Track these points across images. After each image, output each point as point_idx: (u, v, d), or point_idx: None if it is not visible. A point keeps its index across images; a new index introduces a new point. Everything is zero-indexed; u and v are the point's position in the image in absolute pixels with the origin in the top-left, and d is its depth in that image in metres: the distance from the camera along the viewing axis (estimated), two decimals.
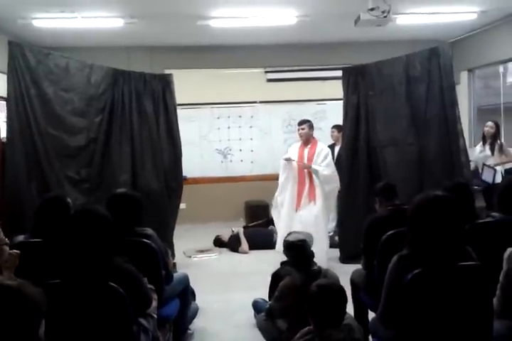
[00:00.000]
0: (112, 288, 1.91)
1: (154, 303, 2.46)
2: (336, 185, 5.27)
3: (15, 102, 4.62)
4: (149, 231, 2.88)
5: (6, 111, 4.69)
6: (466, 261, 2.08)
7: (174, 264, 4.45)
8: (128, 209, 2.79)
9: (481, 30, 6.71)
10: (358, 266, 3.41)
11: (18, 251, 2.43)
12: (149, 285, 2.53)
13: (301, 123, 5.32)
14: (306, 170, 5.16)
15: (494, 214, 2.98)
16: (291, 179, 5.20)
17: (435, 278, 1.98)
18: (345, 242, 5.39)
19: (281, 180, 5.31)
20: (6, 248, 2.18)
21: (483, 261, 2.12)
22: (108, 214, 2.20)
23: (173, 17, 5.70)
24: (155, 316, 2.44)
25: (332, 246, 5.75)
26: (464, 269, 2.05)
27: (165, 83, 5.22)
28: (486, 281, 2.03)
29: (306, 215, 5.10)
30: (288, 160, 5.22)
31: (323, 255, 4.85)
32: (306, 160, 5.18)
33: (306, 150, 5.25)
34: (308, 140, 5.26)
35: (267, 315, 3.22)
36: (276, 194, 5.33)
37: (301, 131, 5.28)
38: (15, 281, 1.28)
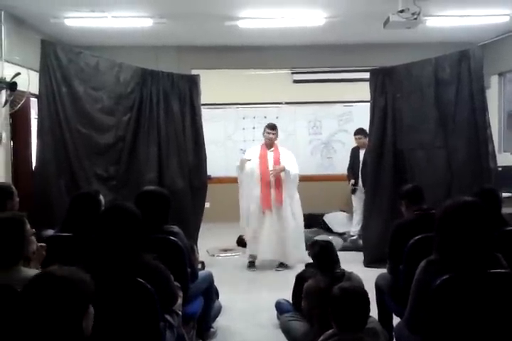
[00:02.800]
0: (140, 283, 1.94)
1: (180, 300, 2.49)
2: (297, 183, 5.41)
3: (46, 100, 4.71)
4: (176, 228, 2.91)
5: (37, 108, 4.80)
6: (496, 268, 2.05)
7: (202, 263, 4.48)
8: (156, 206, 2.82)
9: None
10: (382, 270, 3.38)
11: (44, 244, 2.49)
12: (176, 283, 2.56)
13: (273, 127, 5.40)
14: (272, 174, 5.22)
15: None
16: (255, 183, 5.26)
17: (464, 285, 1.95)
18: (369, 246, 5.34)
19: (242, 183, 5.40)
20: (34, 239, 2.23)
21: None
22: (138, 210, 2.23)
23: (201, 17, 5.74)
24: (180, 313, 2.46)
25: (356, 249, 5.74)
26: (494, 276, 2.02)
27: (192, 84, 5.26)
28: None
29: (275, 218, 5.24)
30: (244, 162, 5.27)
31: (300, 254, 5.01)
32: (272, 163, 5.28)
33: (271, 154, 5.36)
34: (272, 144, 5.39)
35: (292, 314, 3.21)
36: (244, 203, 5.41)
37: (272, 135, 5.36)
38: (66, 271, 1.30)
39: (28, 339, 1.24)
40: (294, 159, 5.43)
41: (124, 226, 2.10)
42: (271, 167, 5.27)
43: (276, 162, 5.30)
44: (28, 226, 2.14)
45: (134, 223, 2.14)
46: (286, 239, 5.23)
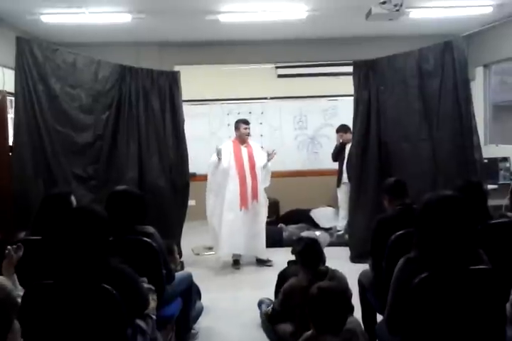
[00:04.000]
0: (105, 289, 1.85)
1: (153, 303, 2.41)
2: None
3: (22, 98, 4.58)
4: (150, 229, 2.81)
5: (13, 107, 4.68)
6: (478, 264, 1.98)
7: (181, 263, 4.39)
8: (128, 206, 2.73)
9: (497, 24, 6.53)
10: (368, 266, 3.32)
11: (20, 244, 2.40)
12: (149, 285, 2.48)
13: (248, 122, 5.38)
14: (248, 170, 5.20)
15: (510, 214, 2.87)
16: (231, 180, 5.17)
17: (443, 283, 1.88)
18: (355, 241, 5.30)
19: (212, 182, 5.28)
20: None
21: (495, 264, 2.02)
22: (105, 213, 2.13)
23: (181, 12, 5.63)
24: (154, 317, 2.38)
25: (342, 244, 5.69)
26: (475, 273, 1.95)
27: (172, 80, 5.17)
28: (498, 286, 1.93)
29: (251, 214, 5.22)
30: (219, 158, 5.15)
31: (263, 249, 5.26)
32: (247, 158, 5.25)
33: (245, 149, 5.31)
34: (245, 140, 5.35)
35: (268, 320, 3.15)
36: (211, 202, 5.34)
37: (248, 130, 5.34)
38: None
39: None
40: (264, 153, 5.41)
41: (89, 229, 2.01)
42: (246, 162, 5.23)
43: (251, 157, 5.28)
44: None
45: (100, 226, 2.04)
46: (261, 234, 5.27)
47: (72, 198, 2.88)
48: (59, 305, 1.85)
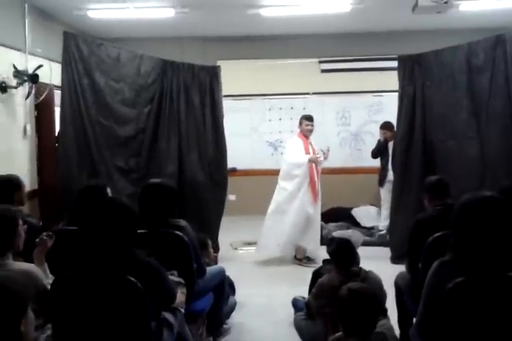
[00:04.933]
0: (129, 281, 1.85)
1: (182, 297, 2.41)
2: None
3: (68, 92, 4.71)
4: (182, 222, 2.81)
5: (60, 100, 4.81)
6: None
7: (215, 257, 4.40)
8: (161, 199, 2.74)
9: None
10: None
11: (51, 233, 2.46)
12: (179, 279, 2.48)
13: (312, 119, 5.35)
14: (314, 166, 5.22)
15: None
16: (305, 178, 5.18)
17: (479, 289, 1.77)
18: (396, 241, 5.13)
19: (297, 182, 5.20)
20: (23, 233, 2.20)
21: None
22: (133, 206, 2.15)
23: (223, 6, 5.61)
24: (182, 310, 2.38)
25: (384, 244, 5.56)
26: None
27: (212, 75, 5.18)
28: None
29: (313, 212, 5.25)
30: (313, 160, 5.18)
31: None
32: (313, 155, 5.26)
33: (310, 146, 5.32)
34: (308, 136, 5.36)
35: (305, 313, 3.11)
36: (283, 197, 5.31)
37: (311, 127, 5.32)
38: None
39: None
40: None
41: (116, 221, 2.02)
42: None
43: (315, 154, 5.32)
44: (20, 221, 2.10)
45: (127, 219, 2.05)
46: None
47: (108, 190, 2.92)
48: (85, 295, 1.87)
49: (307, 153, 5.24)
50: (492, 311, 1.77)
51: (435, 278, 1.90)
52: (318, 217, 5.41)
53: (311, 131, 5.33)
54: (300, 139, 5.32)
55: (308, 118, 5.36)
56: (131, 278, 1.85)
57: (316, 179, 5.26)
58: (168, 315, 2.21)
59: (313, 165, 5.22)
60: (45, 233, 2.41)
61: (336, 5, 5.55)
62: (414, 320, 2.79)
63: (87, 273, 1.91)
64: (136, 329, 1.88)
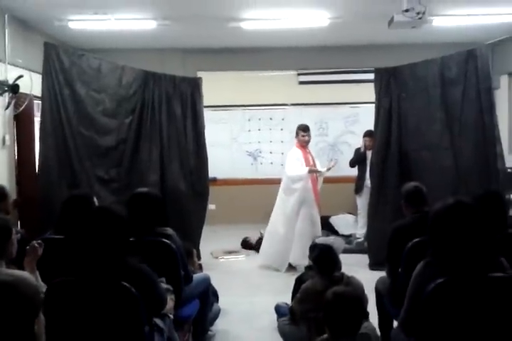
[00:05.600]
0: (124, 287, 1.90)
1: (171, 303, 2.45)
2: None
3: (49, 102, 4.72)
4: (169, 231, 2.87)
5: (40, 110, 4.80)
6: (498, 272, 1.97)
7: (200, 265, 4.43)
8: (148, 208, 2.79)
9: None
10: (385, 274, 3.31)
11: (41, 241, 2.48)
12: (167, 286, 2.52)
13: (307, 129, 5.42)
14: (315, 175, 5.35)
15: None
16: (305, 192, 5.24)
17: (460, 289, 1.88)
18: (374, 248, 5.27)
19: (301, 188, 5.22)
20: (15, 242, 2.22)
21: None
22: (124, 213, 2.19)
23: (204, 19, 5.71)
24: (171, 316, 2.42)
25: (362, 251, 5.67)
26: (494, 280, 1.94)
27: (194, 86, 5.26)
28: None
29: (316, 217, 5.35)
30: (313, 171, 5.26)
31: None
32: (313, 165, 5.37)
33: (309, 156, 5.42)
34: (305, 146, 5.44)
35: (289, 318, 3.17)
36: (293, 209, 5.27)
37: (307, 137, 5.40)
38: (11, 277, 1.28)
39: None
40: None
41: (108, 229, 2.06)
42: None
43: (314, 163, 5.44)
44: (13, 229, 2.13)
45: (119, 226, 2.10)
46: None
47: (94, 199, 2.95)
48: (79, 301, 1.90)
49: (307, 163, 5.29)
50: (472, 310, 1.87)
51: (420, 277, 2.00)
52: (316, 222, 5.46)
53: (307, 141, 5.40)
54: (299, 150, 5.37)
55: (303, 128, 5.40)
56: (125, 284, 1.90)
57: (317, 185, 5.37)
58: (158, 321, 2.26)
59: (315, 175, 5.31)
60: (34, 241, 2.42)
61: (314, 19, 5.71)
62: (395, 322, 2.92)
63: (81, 280, 1.94)
64: (130, 333, 1.92)
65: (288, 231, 5.23)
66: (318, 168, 5.42)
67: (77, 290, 1.93)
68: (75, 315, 1.87)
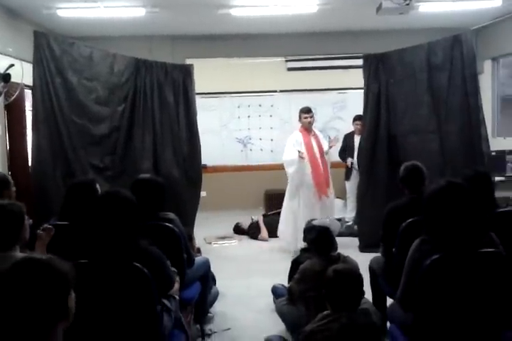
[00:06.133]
0: (136, 268, 1.98)
1: (177, 285, 2.54)
2: None
3: (40, 91, 4.68)
4: (172, 215, 2.95)
5: (31, 100, 4.79)
6: (490, 247, 2.09)
7: (198, 249, 4.54)
8: (152, 193, 2.86)
9: (506, 18, 6.58)
10: (377, 255, 3.43)
11: (51, 226, 2.55)
12: (172, 268, 2.60)
13: (309, 111, 5.34)
14: (319, 159, 5.22)
15: None
16: (303, 175, 5.20)
17: (454, 264, 2.00)
18: (364, 231, 5.41)
19: (293, 173, 5.23)
20: (28, 227, 2.29)
21: (507, 250, 2.13)
22: (132, 196, 2.27)
23: (194, 6, 5.72)
24: (177, 298, 2.51)
25: (352, 235, 5.81)
26: (485, 256, 2.06)
27: (186, 73, 5.27)
28: (508, 269, 2.04)
29: (327, 203, 5.30)
30: (301, 156, 5.15)
31: None
32: (316, 148, 5.27)
33: (313, 139, 5.31)
34: (311, 128, 5.35)
35: (287, 298, 3.27)
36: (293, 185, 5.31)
37: (310, 119, 5.31)
38: (45, 256, 1.36)
39: (15, 318, 1.28)
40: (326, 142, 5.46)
41: (120, 212, 2.14)
42: (316, 151, 5.25)
43: (320, 146, 5.31)
44: (26, 215, 2.19)
45: (130, 209, 2.17)
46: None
47: (97, 186, 3.01)
48: (94, 283, 1.97)
49: (309, 146, 5.22)
50: (466, 283, 2.00)
51: (416, 254, 2.13)
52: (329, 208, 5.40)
53: (310, 122, 5.28)
54: (300, 134, 5.31)
55: (305, 111, 5.31)
56: (138, 265, 1.98)
57: (320, 169, 5.22)
58: (166, 302, 2.35)
59: (312, 156, 5.17)
60: (45, 225, 2.49)
61: (303, 6, 5.76)
62: (388, 299, 3.05)
63: (95, 262, 2.02)
64: (143, 312, 2.01)
65: (287, 214, 5.36)
66: (326, 149, 5.33)
67: (91, 272, 2.00)
68: (90, 296, 1.94)
